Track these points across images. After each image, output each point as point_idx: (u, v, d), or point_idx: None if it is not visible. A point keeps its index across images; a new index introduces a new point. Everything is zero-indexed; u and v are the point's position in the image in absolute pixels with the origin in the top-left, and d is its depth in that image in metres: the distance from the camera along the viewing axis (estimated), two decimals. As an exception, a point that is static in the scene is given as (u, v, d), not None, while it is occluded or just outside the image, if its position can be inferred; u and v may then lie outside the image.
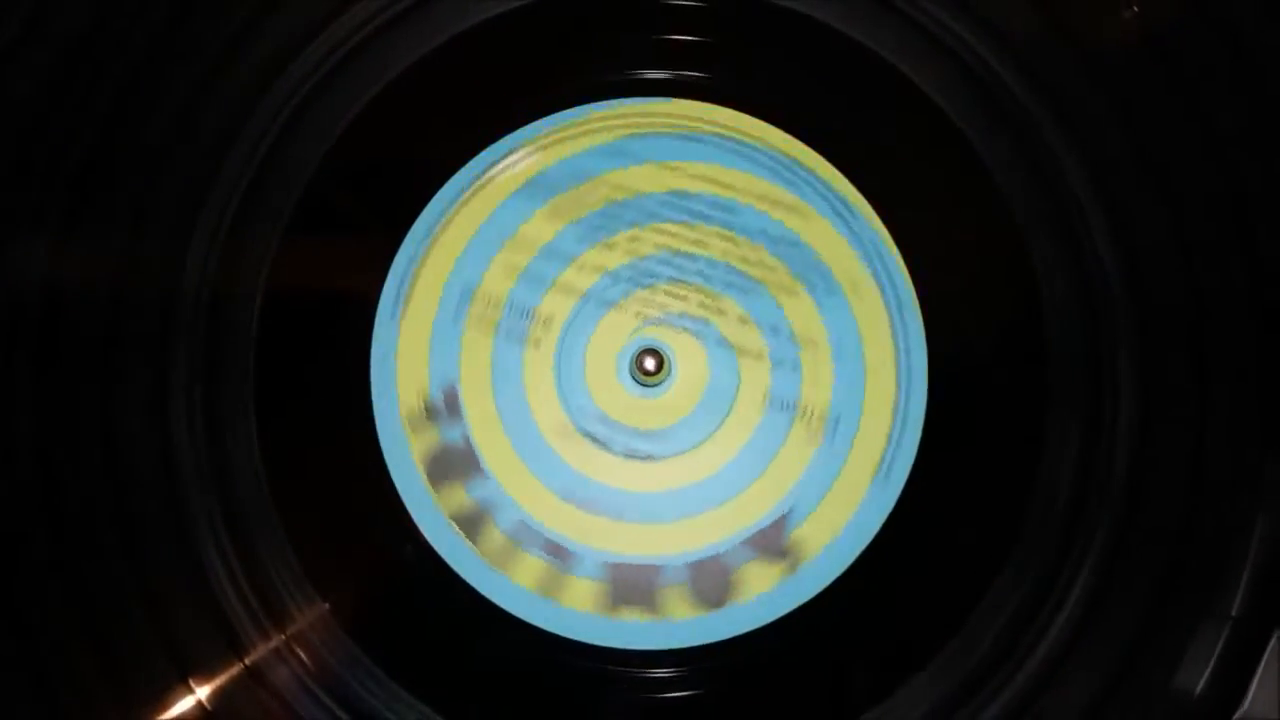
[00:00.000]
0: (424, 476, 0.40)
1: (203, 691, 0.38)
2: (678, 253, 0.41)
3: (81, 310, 0.39)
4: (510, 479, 0.41)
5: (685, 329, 0.41)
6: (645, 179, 0.41)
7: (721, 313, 0.41)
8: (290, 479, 0.40)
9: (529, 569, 0.40)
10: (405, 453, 0.41)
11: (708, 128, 0.42)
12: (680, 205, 0.41)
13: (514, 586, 0.40)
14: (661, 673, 0.40)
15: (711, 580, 0.40)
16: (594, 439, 0.41)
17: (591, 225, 0.41)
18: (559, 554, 0.40)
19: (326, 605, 0.40)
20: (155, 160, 0.40)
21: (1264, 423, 0.37)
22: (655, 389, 0.41)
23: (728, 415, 0.41)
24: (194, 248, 0.40)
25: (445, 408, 0.41)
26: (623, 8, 0.42)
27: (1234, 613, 0.35)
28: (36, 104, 0.38)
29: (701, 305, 0.41)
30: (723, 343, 0.41)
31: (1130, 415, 0.39)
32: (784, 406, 0.41)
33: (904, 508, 0.40)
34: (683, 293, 0.41)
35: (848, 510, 0.40)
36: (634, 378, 0.41)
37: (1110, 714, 0.37)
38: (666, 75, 0.42)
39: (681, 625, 0.40)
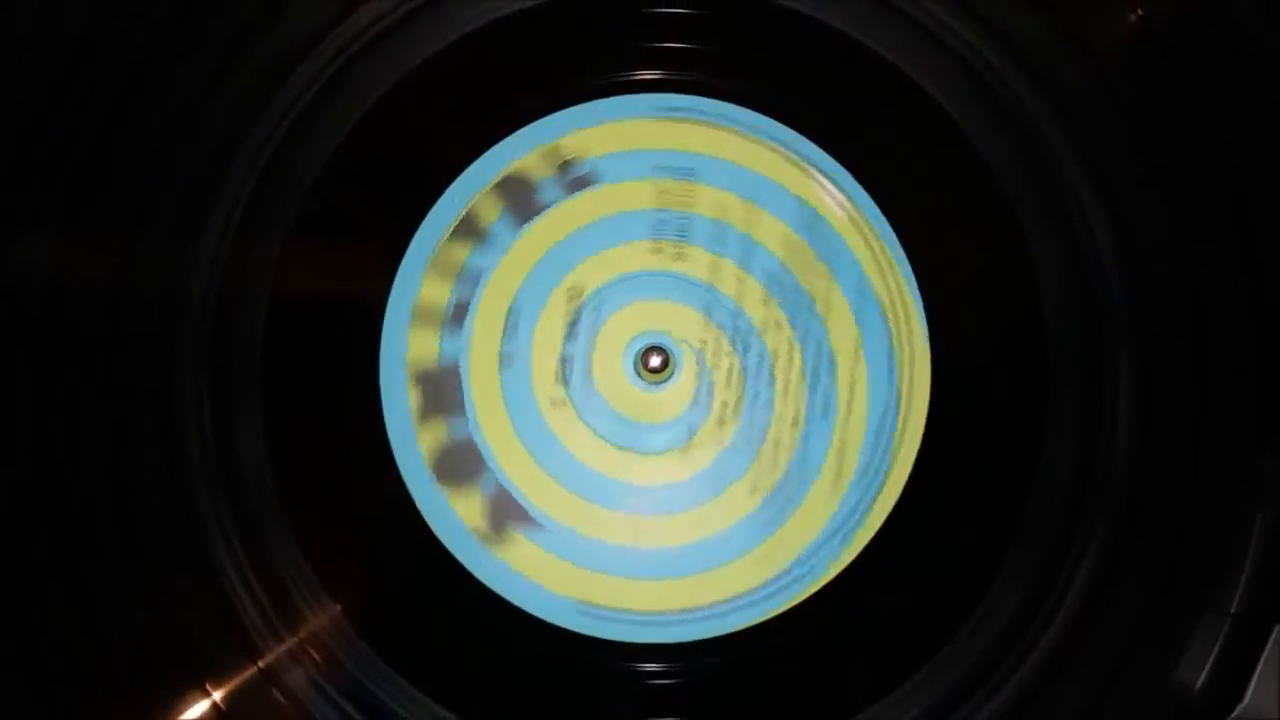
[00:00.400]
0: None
1: (217, 694, 0.39)
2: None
3: (86, 310, 0.39)
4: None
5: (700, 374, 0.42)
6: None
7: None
8: (299, 481, 0.40)
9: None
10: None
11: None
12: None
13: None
14: (655, 666, 0.41)
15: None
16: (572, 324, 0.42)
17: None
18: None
19: (338, 606, 0.40)
20: (161, 160, 0.40)
21: (1261, 422, 0.37)
22: (660, 386, 0.42)
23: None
24: (201, 248, 0.40)
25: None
26: (626, 8, 0.42)
27: (1233, 609, 0.36)
28: (39, 103, 0.38)
29: (728, 376, 0.42)
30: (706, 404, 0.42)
31: (1129, 414, 0.40)
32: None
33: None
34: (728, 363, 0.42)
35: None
36: (638, 372, 0.42)
37: (1110, 710, 0.37)
38: (667, 75, 0.42)
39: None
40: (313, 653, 0.40)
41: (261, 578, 0.40)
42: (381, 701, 0.40)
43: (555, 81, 0.42)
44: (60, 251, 0.39)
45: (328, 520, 0.41)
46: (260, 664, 0.39)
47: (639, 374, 0.42)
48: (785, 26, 0.42)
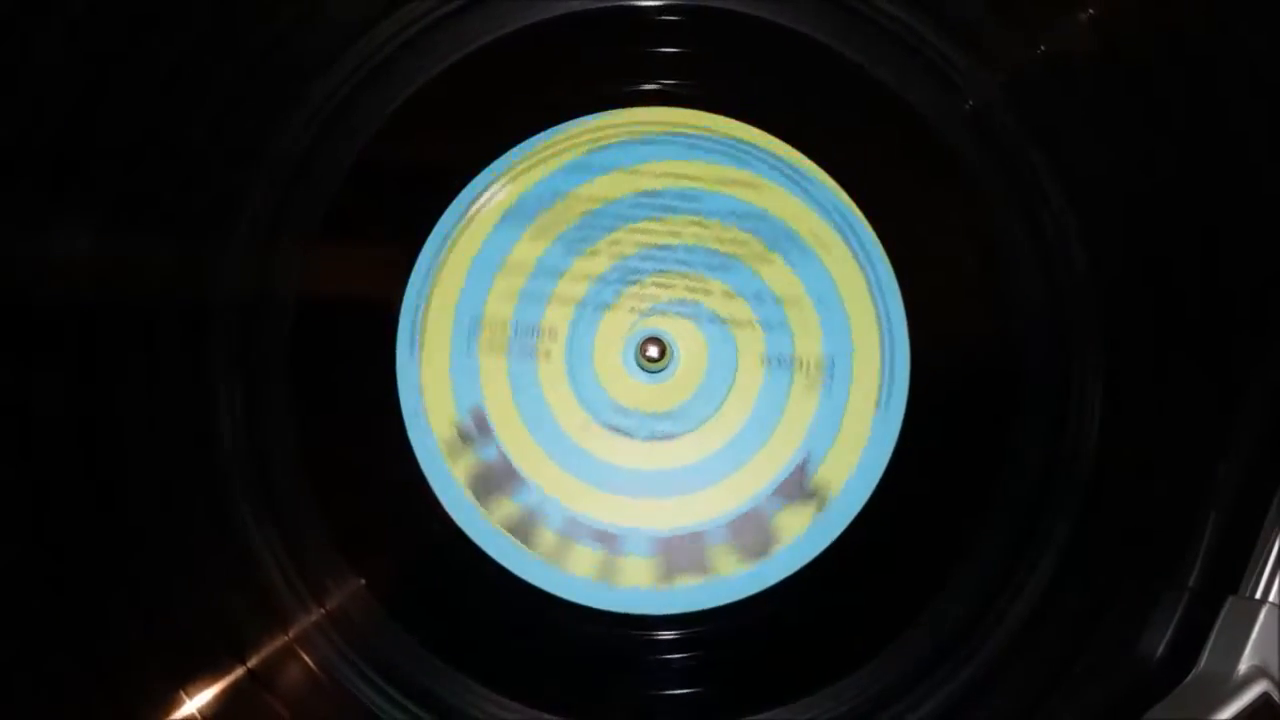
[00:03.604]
0: (470, 495, 0.43)
1: (251, 662, 0.40)
2: (656, 246, 0.43)
3: (122, 307, 0.41)
4: (550, 482, 0.43)
5: (678, 314, 0.43)
6: (612, 186, 0.44)
7: (708, 292, 0.43)
8: (325, 467, 0.42)
9: (583, 560, 0.42)
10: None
11: (660, 128, 0.44)
12: (649, 203, 0.44)
13: (568, 576, 0.42)
14: (666, 634, 0.43)
15: (752, 533, 0.43)
16: (617, 430, 0.43)
17: (573, 239, 0.44)
18: (607, 541, 0.43)
19: (361, 580, 0.42)
20: (191, 165, 0.41)
21: (1217, 430, 0.39)
22: (662, 373, 0.43)
23: (733, 383, 0.43)
24: (230, 250, 0.42)
25: (476, 430, 0.43)
26: (613, 26, 0.45)
27: (1190, 584, 0.38)
28: (71, 105, 0.40)
29: (688, 289, 0.43)
30: (715, 319, 0.43)
31: (1096, 414, 0.41)
32: (781, 363, 0.43)
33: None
34: (669, 281, 0.43)
35: (859, 445, 0.43)
36: (640, 366, 0.43)
37: (1079, 674, 0.39)
38: (656, 86, 0.44)
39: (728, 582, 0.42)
40: (338, 623, 0.42)
41: (291, 556, 0.42)
42: (402, 668, 0.41)
43: (551, 95, 0.44)
44: (101, 250, 0.41)
45: (351, 502, 0.43)
46: (290, 634, 0.41)
47: (657, 370, 0.43)
48: (756, 35, 0.44)
